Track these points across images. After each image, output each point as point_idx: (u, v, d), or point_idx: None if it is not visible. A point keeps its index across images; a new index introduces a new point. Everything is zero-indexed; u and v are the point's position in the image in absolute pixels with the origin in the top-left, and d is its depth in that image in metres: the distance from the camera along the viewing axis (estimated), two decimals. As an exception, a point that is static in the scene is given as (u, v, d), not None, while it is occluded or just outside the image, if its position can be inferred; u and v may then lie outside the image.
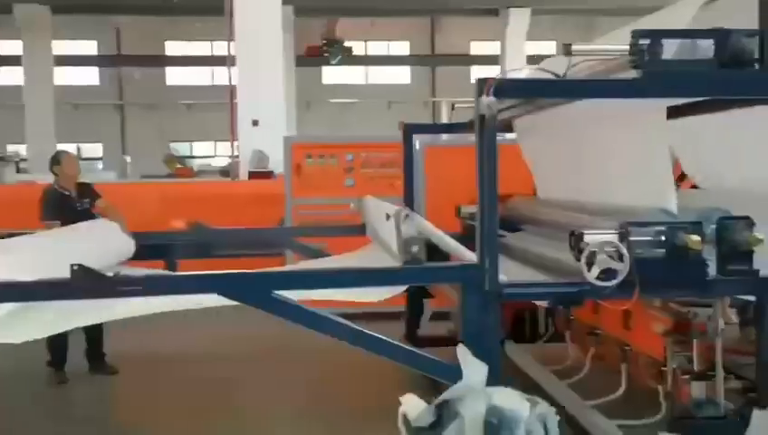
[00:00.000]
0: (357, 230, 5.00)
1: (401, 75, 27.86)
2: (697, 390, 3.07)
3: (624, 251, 2.70)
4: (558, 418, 2.56)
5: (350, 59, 26.34)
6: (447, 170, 6.11)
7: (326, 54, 25.14)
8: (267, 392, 4.78)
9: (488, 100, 2.71)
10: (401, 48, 27.87)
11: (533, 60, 22.53)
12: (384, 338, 2.90)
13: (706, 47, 2.84)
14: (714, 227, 2.89)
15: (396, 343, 2.95)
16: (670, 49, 2.80)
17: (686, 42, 2.83)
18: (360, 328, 2.85)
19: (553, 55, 4.57)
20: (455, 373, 2.77)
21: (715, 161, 3.93)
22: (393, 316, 5.01)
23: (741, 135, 3.54)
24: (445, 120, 24.61)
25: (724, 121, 3.49)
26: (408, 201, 4.95)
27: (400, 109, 26.43)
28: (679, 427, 3.03)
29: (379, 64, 27.61)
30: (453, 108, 4.92)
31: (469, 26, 24.51)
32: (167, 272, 4.41)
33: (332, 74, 27.41)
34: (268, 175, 9.57)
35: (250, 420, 4.26)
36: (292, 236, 5.31)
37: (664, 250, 2.81)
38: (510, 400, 2.47)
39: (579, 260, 2.79)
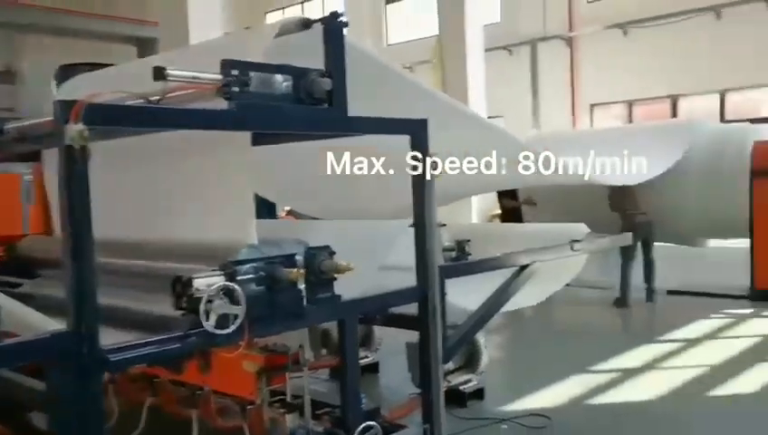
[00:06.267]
0: None
1: None
2: (292, 421, 3.10)
3: (240, 293, 2.52)
4: None
5: None
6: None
7: None
8: None
9: (78, 128, 2.20)
10: None
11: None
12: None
13: (286, 83, 2.90)
14: (301, 258, 2.94)
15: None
16: (256, 81, 2.77)
17: (268, 76, 2.83)
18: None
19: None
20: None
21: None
22: None
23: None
24: None
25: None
26: None
27: None
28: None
29: None
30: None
31: None
32: None
33: None
34: None
35: None
36: None
37: (264, 286, 2.73)
38: None
39: (185, 308, 2.50)
